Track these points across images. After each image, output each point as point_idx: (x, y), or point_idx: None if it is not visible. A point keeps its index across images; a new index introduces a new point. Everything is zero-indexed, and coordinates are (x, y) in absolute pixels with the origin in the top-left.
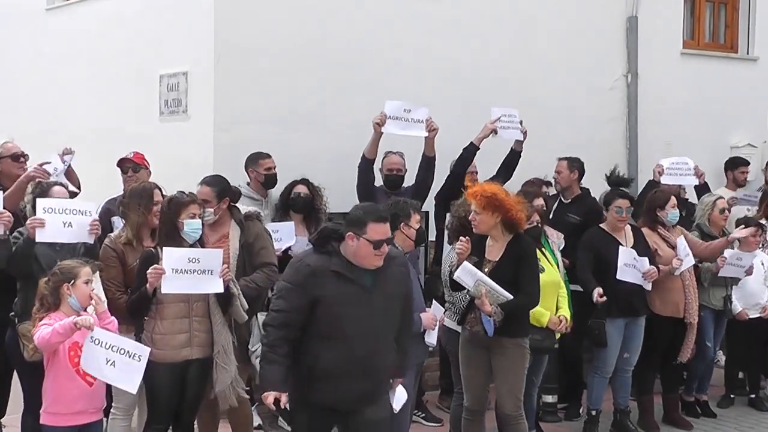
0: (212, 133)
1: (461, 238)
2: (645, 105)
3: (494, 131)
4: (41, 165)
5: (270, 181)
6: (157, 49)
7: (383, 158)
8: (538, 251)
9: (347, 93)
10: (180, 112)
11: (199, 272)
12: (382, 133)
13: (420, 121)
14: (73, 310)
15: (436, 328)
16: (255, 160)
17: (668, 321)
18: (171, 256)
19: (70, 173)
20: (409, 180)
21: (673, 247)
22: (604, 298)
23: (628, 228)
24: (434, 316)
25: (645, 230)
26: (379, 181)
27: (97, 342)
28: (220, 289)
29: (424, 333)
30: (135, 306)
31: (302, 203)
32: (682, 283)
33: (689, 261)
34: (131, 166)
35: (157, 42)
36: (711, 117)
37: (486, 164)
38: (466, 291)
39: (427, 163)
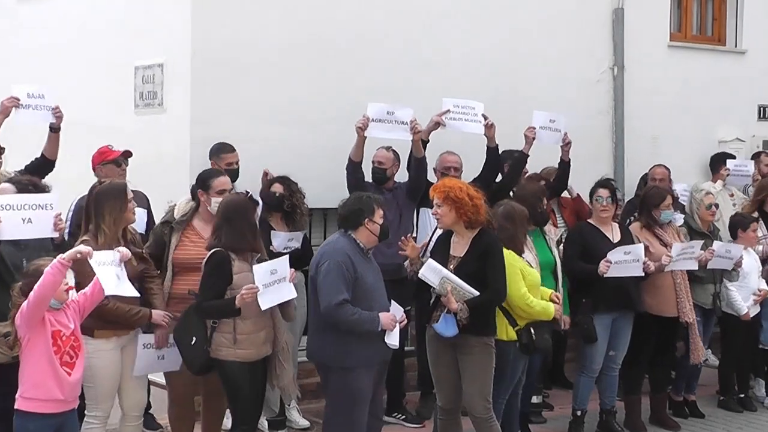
0: (189, 127)
1: (408, 236)
2: (632, 98)
3: (439, 123)
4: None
5: (232, 176)
6: (132, 39)
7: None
8: (517, 255)
9: (329, 87)
10: (155, 105)
11: (278, 282)
12: (365, 137)
13: (404, 122)
14: (51, 309)
15: (396, 329)
16: (218, 152)
17: (658, 319)
18: (260, 273)
19: (51, 141)
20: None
21: (666, 246)
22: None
23: (615, 225)
24: (393, 317)
25: (636, 227)
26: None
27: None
28: (295, 294)
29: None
30: (215, 315)
31: (277, 203)
32: (673, 281)
33: (686, 264)
34: (122, 160)
35: (132, 33)
36: (698, 111)
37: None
38: (432, 289)
39: (417, 164)
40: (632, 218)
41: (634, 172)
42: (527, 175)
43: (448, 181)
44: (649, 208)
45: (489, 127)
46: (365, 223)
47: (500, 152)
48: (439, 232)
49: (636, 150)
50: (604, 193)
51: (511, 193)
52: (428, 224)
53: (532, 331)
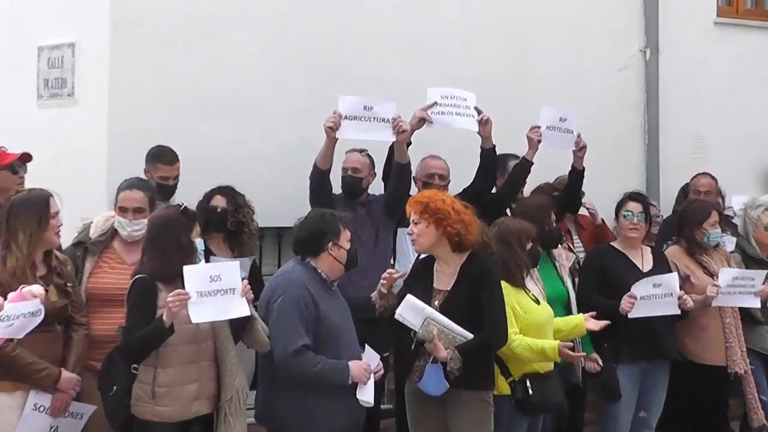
0: (106, 122)
1: (389, 271)
2: (668, 89)
3: (424, 120)
4: None
5: (162, 192)
6: (36, 14)
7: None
8: (514, 286)
9: (287, 72)
10: (64, 95)
11: (222, 292)
12: (337, 138)
13: (385, 120)
14: None
15: (371, 381)
16: (153, 160)
17: (705, 369)
18: (194, 276)
19: None
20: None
21: (713, 276)
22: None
23: (646, 249)
24: (367, 366)
25: (675, 252)
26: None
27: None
28: (247, 311)
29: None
30: (138, 349)
31: (219, 220)
32: (722, 321)
33: (741, 299)
34: (19, 165)
35: (35, 5)
36: (754, 104)
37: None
38: (412, 333)
39: (400, 172)
40: (669, 242)
41: (672, 183)
42: (538, 186)
43: (427, 191)
44: (691, 227)
45: (484, 123)
46: (328, 247)
47: (497, 155)
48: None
49: (674, 155)
50: (634, 207)
51: (508, 211)
52: (409, 249)
53: (529, 384)
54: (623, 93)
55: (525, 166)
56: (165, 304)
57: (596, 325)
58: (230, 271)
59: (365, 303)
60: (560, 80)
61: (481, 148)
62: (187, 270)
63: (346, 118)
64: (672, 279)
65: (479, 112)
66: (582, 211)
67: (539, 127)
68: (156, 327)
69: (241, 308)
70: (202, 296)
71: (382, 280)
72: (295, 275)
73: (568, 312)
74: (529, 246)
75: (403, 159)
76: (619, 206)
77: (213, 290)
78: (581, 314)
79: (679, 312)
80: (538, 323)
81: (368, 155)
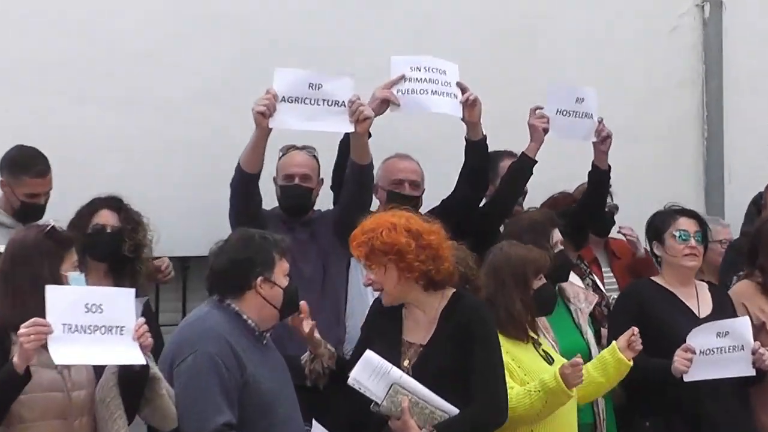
0: None
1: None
2: (736, 59)
3: (388, 102)
4: None
5: (30, 212)
6: None
7: (279, 158)
8: (510, 338)
9: (191, 36)
10: None
11: (103, 330)
12: (270, 129)
13: (338, 103)
14: None
15: None
16: (13, 168)
17: None
18: (59, 302)
19: None
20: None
21: None
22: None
23: (703, 286)
24: None
25: (746, 289)
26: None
27: None
28: (141, 360)
29: None
30: None
31: (109, 244)
32: None
33: None
34: None
35: None
36: None
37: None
38: (373, 405)
39: (359, 176)
40: (737, 276)
41: (742, 191)
42: (552, 197)
43: (369, 220)
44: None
45: (470, 106)
46: (257, 284)
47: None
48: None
49: (745, 152)
50: (688, 225)
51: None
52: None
53: None
54: (675, 65)
55: (525, 165)
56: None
57: (634, 347)
58: (119, 300)
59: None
60: (582, 48)
61: (467, 140)
62: (51, 291)
63: (284, 100)
64: (742, 325)
65: (463, 90)
66: (616, 232)
67: (544, 112)
68: (6, 373)
69: (130, 354)
70: (72, 331)
71: (290, 320)
72: (210, 324)
73: None
74: (538, 283)
75: (364, 158)
76: (663, 224)
77: (88, 325)
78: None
79: (753, 372)
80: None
81: (315, 155)
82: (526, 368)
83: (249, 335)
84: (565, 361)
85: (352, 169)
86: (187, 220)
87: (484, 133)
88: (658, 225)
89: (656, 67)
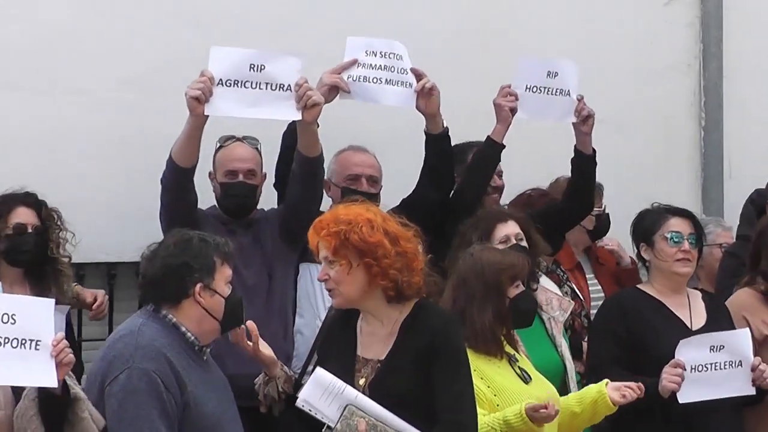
0: None
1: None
2: (738, 38)
3: (339, 88)
4: None
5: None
6: None
7: (216, 150)
8: (481, 354)
9: (115, 13)
10: None
11: (15, 343)
12: (207, 116)
13: (283, 87)
14: None
15: None
16: None
17: None
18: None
19: None
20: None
21: None
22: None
23: (695, 295)
24: None
25: (746, 299)
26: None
27: None
28: (53, 383)
29: None
30: None
31: (29, 246)
32: None
33: None
34: None
35: None
36: None
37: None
38: (325, 429)
39: (308, 170)
40: (737, 285)
41: (743, 187)
42: (519, 195)
43: (342, 209)
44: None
45: (426, 94)
46: (195, 292)
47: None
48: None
49: (747, 143)
50: (681, 226)
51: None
52: (317, 296)
53: None
54: (666, 46)
55: (490, 151)
56: None
57: (623, 394)
58: (35, 309)
59: (242, 374)
60: (564, 25)
61: (426, 134)
62: None
63: (221, 83)
64: (741, 338)
65: (419, 77)
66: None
67: (512, 89)
68: None
69: (45, 375)
70: None
71: (231, 335)
72: (145, 337)
73: (565, 392)
74: (515, 291)
75: (312, 150)
76: (653, 225)
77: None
78: (602, 381)
79: (753, 391)
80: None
81: (258, 148)
82: (497, 388)
83: (188, 350)
84: (543, 379)
85: (300, 163)
86: (113, 222)
87: (446, 125)
88: (648, 226)
89: (647, 47)
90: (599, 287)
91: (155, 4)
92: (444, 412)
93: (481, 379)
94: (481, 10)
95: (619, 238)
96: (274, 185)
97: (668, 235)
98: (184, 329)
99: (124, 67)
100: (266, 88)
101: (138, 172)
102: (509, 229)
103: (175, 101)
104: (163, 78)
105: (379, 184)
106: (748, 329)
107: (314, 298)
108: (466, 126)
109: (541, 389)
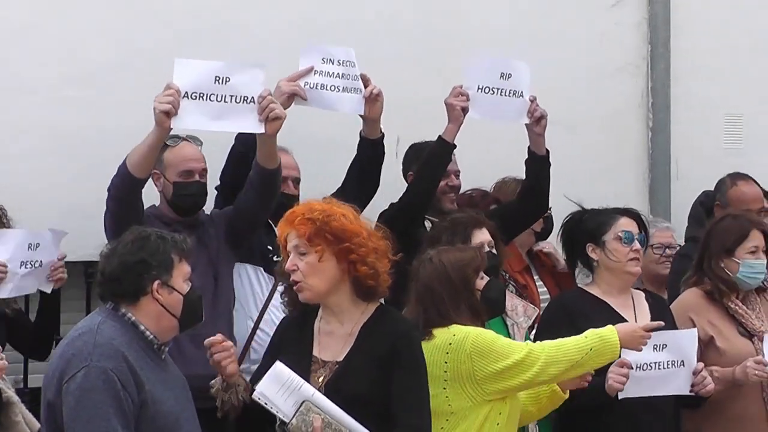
0: None
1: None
2: (685, 38)
3: (297, 95)
4: None
5: None
6: None
7: (162, 150)
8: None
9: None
10: None
11: (230, 99)
12: (170, 128)
13: (248, 99)
14: None
15: None
16: None
17: None
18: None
19: None
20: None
21: (753, 337)
22: None
23: (639, 295)
24: None
25: (691, 299)
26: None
27: None
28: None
29: None
30: None
31: None
32: (765, 409)
33: None
34: None
35: None
36: None
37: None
38: (279, 423)
39: (266, 181)
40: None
41: (690, 188)
42: (467, 193)
43: (316, 202)
44: (716, 255)
45: (372, 100)
46: (153, 289)
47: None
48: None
49: (695, 144)
50: (631, 226)
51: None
52: (248, 295)
53: None
54: (613, 46)
55: (442, 150)
56: None
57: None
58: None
59: (203, 385)
60: (512, 24)
61: (362, 137)
62: None
63: (187, 96)
64: (686, 338)
65: (366, 83)
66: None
67: (463, 89)
68: None
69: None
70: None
71: (211, 353)
72: (104, 335)
73: None
74: (482, 282)
75: (271, 162)
76: (602, 225)
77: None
78: None
79: (688, 391)
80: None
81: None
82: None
83: (147, 349)
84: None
85: (258, 173)
86: (60, 221)
87: (383, 131)
88: (595, 226)
89: (595, 48)
90: (545, 289)
91: (107, 2)
92: (401, 417)
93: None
94: (433, 10)
95: None
96: (216, 188)
97: (621, 235)
98: (142, 328)
99: (77, 65)
100: (231, 101)
101: (85, 170)
102: (484, 235)
103: (126, 98)
104: (115, 75)
105: (298, 186)
106: (695, 330)
107: (245, 300)
108: (420, 126)
109: None
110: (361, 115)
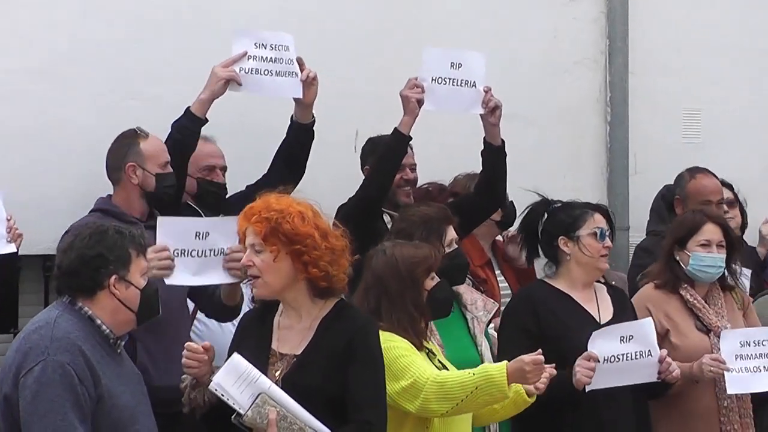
0: None
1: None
2: (643, 32)
3: (233, 81)
4: None
5: None
6: None
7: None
8: (429, 340)
9: None
10: None
11: (209, 254)
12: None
13: (225, 252)
14: None
15: None
16: None
17: None
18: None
19: None
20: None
21: (710, 332)
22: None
23: (602, 289)
24: None
25: (649, 293)
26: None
27: None
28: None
29: None
30: None
31: None
32: (717, 402)
33: (755, 381)
34: None
35: None
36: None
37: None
38: (235, 415)
39: (218, 313)
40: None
41: (648, 181)
42: (423, 187)
43: (274, 198)
44: (671, 246)
45: (308, 84)
46: (110, 283)
47: (367, 143)
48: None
49: (653, 138)
50: (602, 222)
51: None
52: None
53: None
54: (572, 41)
55: (397, 143)
56: None
57: (537, 386)
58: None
59: (168, 386)
60: (469, 18)
61: (294, 121)
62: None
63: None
64: (645, 327)
65: (302, 67)
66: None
67: (419, 80)
68: None
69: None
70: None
71: (185, 355)
72: (60, 329)
73: None
74: (431, 284)
75: (233, 300)
76: (577, 220)
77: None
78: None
79: (655, 378)
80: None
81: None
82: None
83: (103, 343)
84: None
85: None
86: (49, 213)
87: (314, 116)
88: (570, 220)
89: (554, 42)
90: (506, 284)
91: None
92: (355, 412)
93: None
94: (391, 3)
95: None
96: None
97: (597, 231)
98: (99, 322)
99: (29, 58)
100: (210, 255)
101: (42, 164)
102: (452, 233)
103: (80, 92)
104: (69, 69)
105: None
106: (650, 318)
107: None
108: (379, 119)
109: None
110: (295, 99)
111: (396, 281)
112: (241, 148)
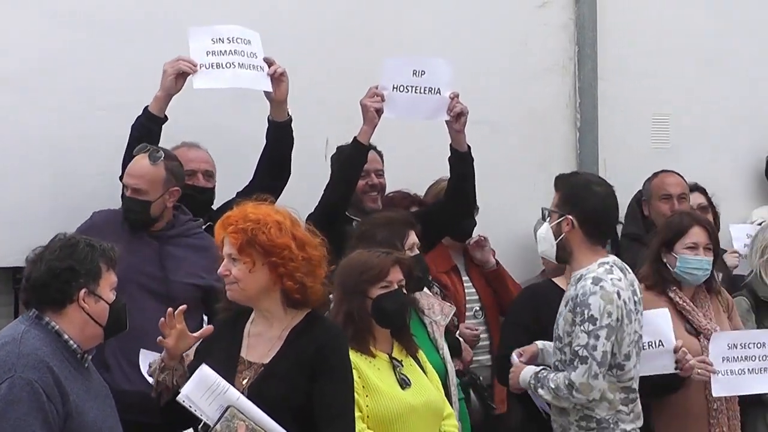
0: None
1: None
2: (612, 38)
3: (185, 78)
4: None
5: None
6: None
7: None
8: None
9: None
10: None
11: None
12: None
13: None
14: None
15: None
16: None
17: None
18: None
19: None
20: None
21: (699, 335)
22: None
23: None
24: None
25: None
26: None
27: None
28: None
29: None
30: None
31: None
32: (707, 404)
33: (744, 383)
34: None
35: None
36: (741, 67)
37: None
38: (201, 426)
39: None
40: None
41: (618, 187)
42: (389, 194)
43: (251, 207)
44: (658, 249)
45: (277, 80)
46: (79, 298)
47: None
48: None
49: (622, 143)
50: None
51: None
52: None
53: None
54: (541, 47)
55: (356, 152)
56: None
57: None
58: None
59: (140, 397)
60: (438, 24)
61: (270, 121)
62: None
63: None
64: (659, 317)
65: (270, 63)
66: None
67: (379, 88)
68: None
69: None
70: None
71: (161, 322)
72: (28, 346)
73: (446, 392)
74: (378, 291)
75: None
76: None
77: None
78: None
79: (673, 369)
80: (410, 408)
81: None
82: (370, 388)
83: (70, 358)
84: (428, 387)
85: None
86: (17, 226)
87: (290, 114)
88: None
89: (523, 48)
90: (474, 290)
91: (31, 3)
92: (324, 424)
93: (359, 377)
94: (352, 9)
95: (495, 239)
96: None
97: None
98: (66, 337)
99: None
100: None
101: (9, 175)
102: (414, 237)
103: (49, 103)
104: (37, 79)
105: (213, 179)
106: (666, 309)
107: None
108: (350, 127)
109: (417, 396)
110: (267, 97)
111: (347, 285)
112: (232, 155)
